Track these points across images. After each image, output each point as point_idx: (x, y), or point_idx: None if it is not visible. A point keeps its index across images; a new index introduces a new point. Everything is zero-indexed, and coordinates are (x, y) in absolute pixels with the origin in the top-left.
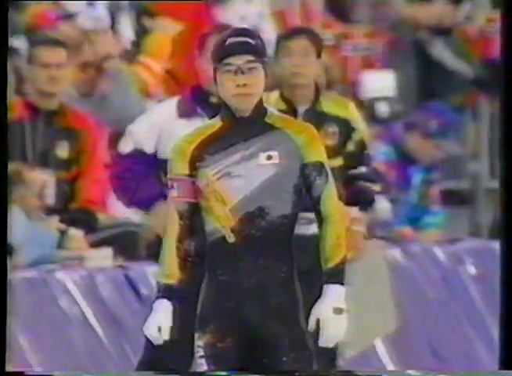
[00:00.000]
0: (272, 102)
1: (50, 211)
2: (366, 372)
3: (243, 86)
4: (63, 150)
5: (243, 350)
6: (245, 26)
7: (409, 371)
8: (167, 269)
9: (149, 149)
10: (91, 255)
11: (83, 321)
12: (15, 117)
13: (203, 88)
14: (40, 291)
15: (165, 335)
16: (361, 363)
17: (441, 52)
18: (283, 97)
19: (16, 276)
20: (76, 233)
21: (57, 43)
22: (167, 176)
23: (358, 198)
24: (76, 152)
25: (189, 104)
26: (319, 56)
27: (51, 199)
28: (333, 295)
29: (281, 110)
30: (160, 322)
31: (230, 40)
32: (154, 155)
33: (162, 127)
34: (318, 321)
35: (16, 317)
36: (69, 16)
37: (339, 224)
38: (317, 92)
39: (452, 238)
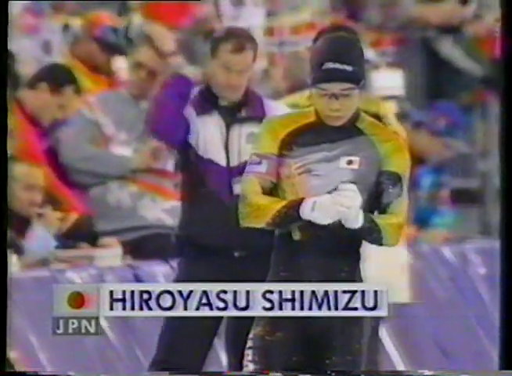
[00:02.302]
0: (305, 98)
1: None
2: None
3: (336, 111)
4: None
5: (290, 346)
6: (343, 46)
7: (421, 371)
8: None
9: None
10: (101, 255)
11: None
12: None
13: (212, 91)
14: (50, 290)
15: None
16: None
17: (449, 50)
18: None
19: (26, 275)
20: None
21: None
22: (254, 151)
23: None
24: None
25: (201, 105)
26: None
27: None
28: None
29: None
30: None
31: (327, 65)
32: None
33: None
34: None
35: (26, 317)
36: None
37: (401, 222)
38: None
39: (460, 237)
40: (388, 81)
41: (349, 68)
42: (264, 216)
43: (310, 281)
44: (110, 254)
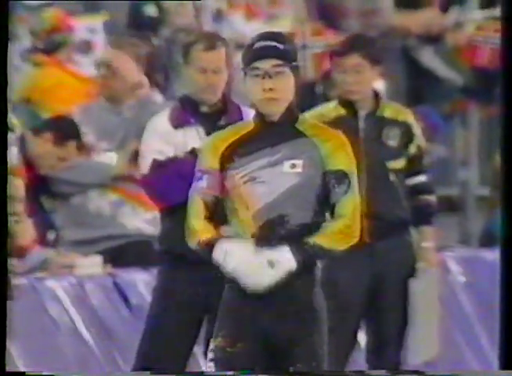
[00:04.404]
0: (331, 108)
1: None
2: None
3: (270, 90)
4: None
5: (252, 356)
6: (276, 30)
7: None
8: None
9: (169, 152)
10: (81, 263)
11: (72, 329)
12: None
13: (191, 97)
14: (30, 298)
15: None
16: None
17: (430, 59)
18: (341, 103)
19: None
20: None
21: None
22: (196, 168)
23: (421, 214)
24: None
25: (181, 115)
26: (374, 64)
27: None
28: (284, 256)
29: (341, 116)
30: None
31: (258, 44)
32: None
33: (166, 137)
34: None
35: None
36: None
37: (349, 221)
38: (376, 98)
39: (440, 246)
40: None
41: (280, 46)
42: (194, 240)
43: (266, 291)
44: (91, 262)
